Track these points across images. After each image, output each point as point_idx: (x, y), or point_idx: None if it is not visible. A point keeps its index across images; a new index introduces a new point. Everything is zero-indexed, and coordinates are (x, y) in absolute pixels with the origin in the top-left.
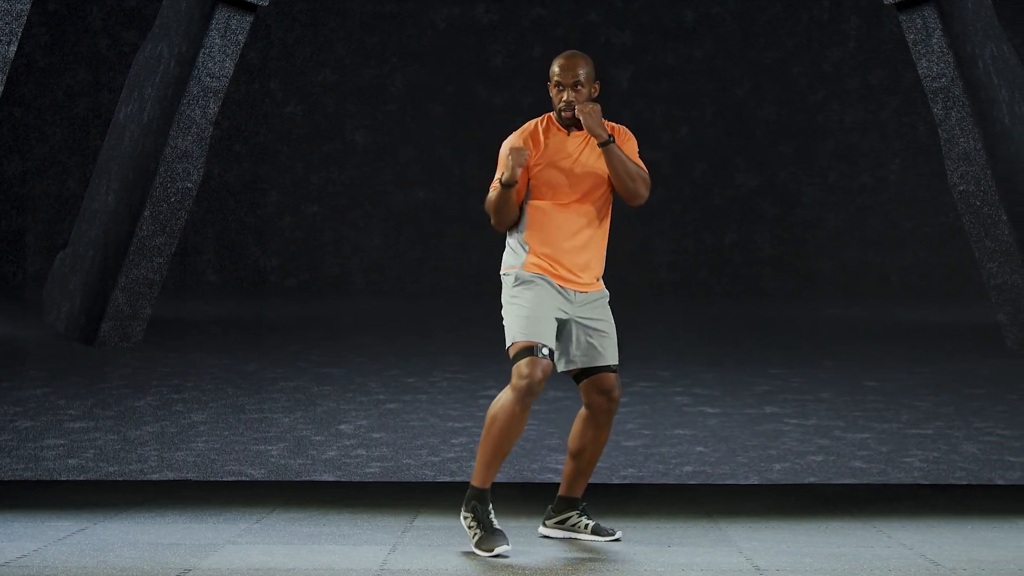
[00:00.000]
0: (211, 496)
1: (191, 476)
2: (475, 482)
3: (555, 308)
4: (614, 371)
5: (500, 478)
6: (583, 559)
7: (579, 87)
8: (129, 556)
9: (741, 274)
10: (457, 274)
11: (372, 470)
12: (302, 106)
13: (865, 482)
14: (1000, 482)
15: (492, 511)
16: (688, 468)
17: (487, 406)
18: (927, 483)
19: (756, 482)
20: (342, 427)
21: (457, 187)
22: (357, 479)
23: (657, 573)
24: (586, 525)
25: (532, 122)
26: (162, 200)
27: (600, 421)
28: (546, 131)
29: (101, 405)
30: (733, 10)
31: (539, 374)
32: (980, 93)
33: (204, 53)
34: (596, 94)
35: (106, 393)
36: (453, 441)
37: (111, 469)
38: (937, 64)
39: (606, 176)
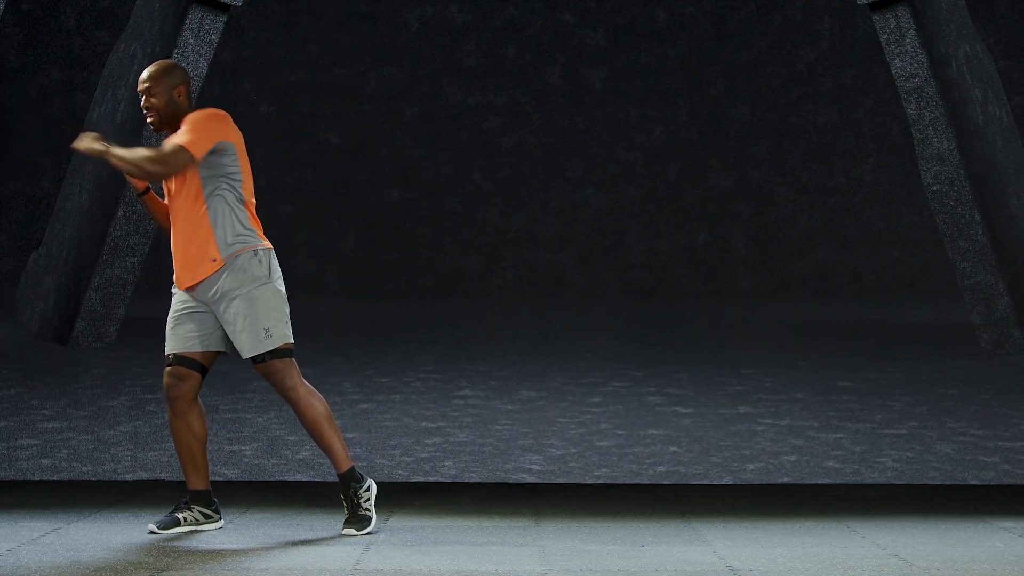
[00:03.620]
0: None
1: (165, 476)
2: None
3: (187, 310)
4: (259, 361)
5: (474, 477)
6: (556, 560)
7: (149, 95)
8: (103, 556)
9: (714, 274)
10: (431, 274)
11: None
12: (276, 106)
13: (839, 482)
14: (974, 482)
15: (194, 508)
16: (662, 468)
17: (462, 406)
18: (901, 483)
19: (730, 482)
20: None
21: (431, 187)
22: (331, 479)
23: (631, 573)
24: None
25: None
26: (135, 200)
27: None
28: None
29: (75, 405)
30: (706, 10)
31: (167, 380)
32: (954, 93)
33: (177, 53)
34: (181, 97)
35: (80, 393)
36: (427, 441)
37: (85, 469)
38: (911, 64)
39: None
